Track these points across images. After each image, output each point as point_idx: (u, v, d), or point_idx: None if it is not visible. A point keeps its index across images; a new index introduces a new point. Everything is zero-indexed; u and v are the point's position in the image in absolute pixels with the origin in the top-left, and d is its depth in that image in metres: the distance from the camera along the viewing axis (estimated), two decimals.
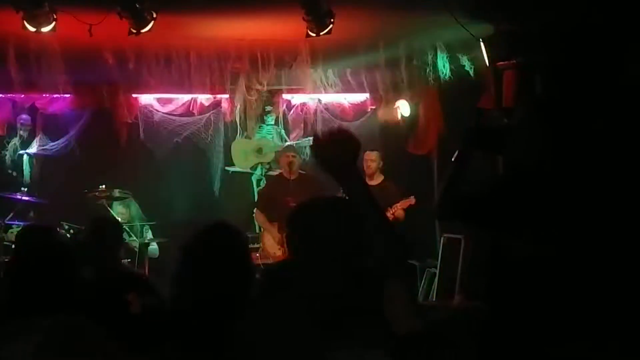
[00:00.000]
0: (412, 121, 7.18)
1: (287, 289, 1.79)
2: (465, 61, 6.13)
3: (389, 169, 6.28)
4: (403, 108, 7.28)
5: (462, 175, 2.39)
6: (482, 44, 5.96)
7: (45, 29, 4.59)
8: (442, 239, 5.74)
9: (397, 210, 5.68)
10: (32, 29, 4.58)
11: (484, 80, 6.16)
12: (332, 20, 4.99)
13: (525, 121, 2.40)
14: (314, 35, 5.02)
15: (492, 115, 2.70)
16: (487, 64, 5.98)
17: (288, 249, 1.92)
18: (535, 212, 2.18)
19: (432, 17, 5.42)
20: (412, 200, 5.70)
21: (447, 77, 6.14)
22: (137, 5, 4.55)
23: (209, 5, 4.89)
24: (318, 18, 4.96)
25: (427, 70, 6.30)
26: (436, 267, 5.74)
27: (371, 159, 5.91)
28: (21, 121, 6.75)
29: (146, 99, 6.99)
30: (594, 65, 4.01)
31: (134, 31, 4.71)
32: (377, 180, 5.94)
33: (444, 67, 6.20)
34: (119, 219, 6.18)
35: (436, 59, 6.22)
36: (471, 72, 6.11)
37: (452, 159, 2.41)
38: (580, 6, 4.40)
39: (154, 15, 4.68)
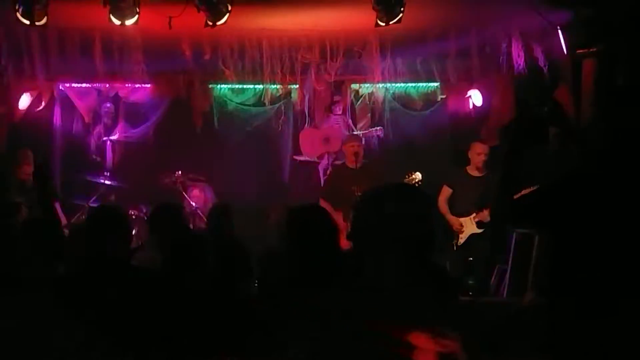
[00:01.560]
0: (484, 111, 7.07)
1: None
2: (541, 50, 5.98)
3: (460, 156, 6.24)
4: (475, 98, 7.18)
5: (512, 176, 2.31)
6: (560, 31, 5.80)
7: (129, 22, 4.85)
8: (514, 234, 5.64)
9: None
10: (117, 22, 4.85)
11: (560, 70, 6.00)
12: (402, 9, 5.00)
13: (602, 114, 2.34)
14: (383, 24, 5.05)
15: (533, 104, 2.63)
16: (565, 52, 5.82)
17: (349, 237, 1.90)
18: (592, 214, 2.12)
19: (506, 4, 5.32)
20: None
21: (521, 66, 6.00)
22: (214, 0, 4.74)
23: None
24: (388, 7, 4.98)
25: (501, 59, 6.19)
26: (507, 263, 5.65)
27: (477, 152, 5.85)
28: (105, 109, 7.14)
29: (220, 88, 7.24)
30: None
31: (210, 23, 4.90)
32: (483, 172, 5.87)
33: (518, 56, 6.06)
34: (194, 203, 6.50)
35: (510, 47, 6.09)
36: (547, 62, 5.95)
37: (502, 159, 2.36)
38: None
39: (229, 8, 4.86)
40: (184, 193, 6.54)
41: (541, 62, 5.97)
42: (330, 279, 1.95)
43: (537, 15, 5.30)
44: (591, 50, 5.62)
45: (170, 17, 4.86)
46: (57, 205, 4.79)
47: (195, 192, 6.72)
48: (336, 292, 1.74)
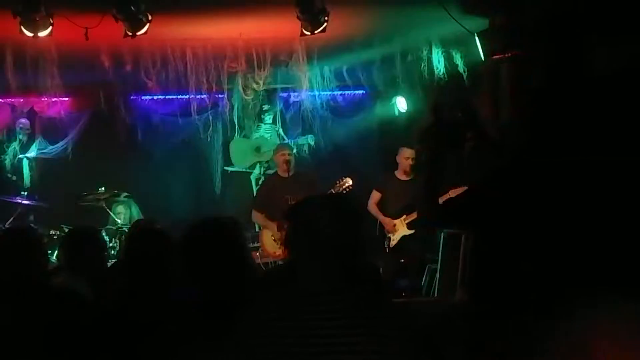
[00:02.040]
0: (410, 117, 7.21)
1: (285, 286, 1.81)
2: (459, 57, 6.16)
3: (388, 161, 6.34)
4: (400, 104, 7.32)
5: (434, 179, 2.40)
6: (477, 38, 5.98)
7: (42, 34, 4.60)
8: (442, 234, 5.78)
9: None
10: (29, 33, 4.59)
11: (480, 76, 6.18)
12: (326, 18, 5.00)
13: (517, 115, 2.43)
14: (308, 33, 5.03)
15: (447, 109, 2.69)
16: (483, 58, 6.01)
17: (285, 246, 1.94)
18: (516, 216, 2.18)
19: (426, 12, 5.44)
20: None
21: (441, 73, 6.15)
22: (133, 8, 4.57)
23: (204, 4, 4.92)
24: (312, 16, 4.97)
25: (422, 66, 6.33)
26: (437, 263, 5.78)
27: (405, 157, 5.94)
28: (20, 125, 6.77)
29: (144, 100, 7.01)
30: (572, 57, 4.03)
31: (130, 34, 4.73)
32: (411, 176, 5.97)
33: (438, 62, 6.22)
34: (119, 220, 6.25)
35: (431, 54, 6.24)
36: (466, 67, 6.13)
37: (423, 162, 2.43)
38: None
39: (149, 17, 4.70)
40: (108, 210, 6.28)
41: (460, 68, 6.15)
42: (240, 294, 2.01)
43: (454, 22, 5.44)
44: (507, 55, 5.82)
45: (86, 29, 4.64)
46: None
47: (120, 208, 6.47)
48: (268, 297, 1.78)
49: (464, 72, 6.13)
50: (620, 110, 2.27)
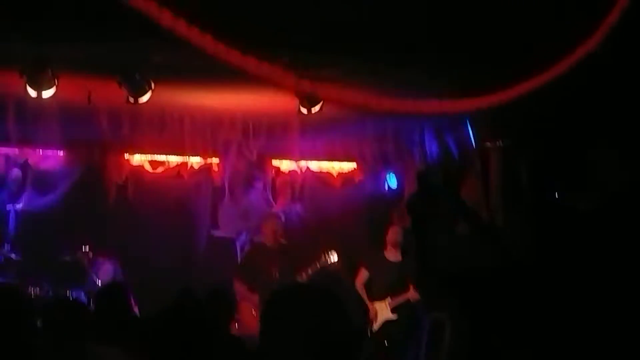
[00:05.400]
0: (398, 194, 7.29)
1: None
2: (451, 140, 6.30)
3: (376, 238, 6.35)
4: (390, 180, 7.43)
5: (424, 244, 2.43)
6: (468, 123, 6.16)
7: (46, 94, 4.69)
8: (426, 319, 5.74)
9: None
10: (33, 93, 4.68)
11: (469, 159, 6.32)
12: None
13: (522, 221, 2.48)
14: (305, 112, 5.19)
15: (429, 174, 2.79)
16: (473, 143, 6.17)
17: (262, 333, 1.90)
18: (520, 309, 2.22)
19: (419, 94, 5.60)
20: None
21: (433, 154, 6.28)
22: (137, 76, 4.70)
23: (206, 76, 5.06)
24: (309, 96, 5.14)
25: (414, 147, 6.48)
26: (420, 347, 5.73)
27: (393, 235, 5.97)
28: (12, 176, 6.77)
29: (137, 159, 7.07)
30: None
31: (132, 100, 4.84)
32: (399, 257, 5.95)
33: (430, 144, 6.37)
34: (99, 281, 6.12)
35: (423, 135, 6.40)
36: (457, 150, 6.27)
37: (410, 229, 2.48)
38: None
39: (152, 86, 4.83)
40: (89, 269, 6.16)
41: (451, 150, 6.28)
42: None
43: (447, 106, 5.60)
44: (497, 143, 5.99)
45: (89, 92, 4.76)
46: None
47: (107, 266, 6.36)
48: None
49: (455, 154, 6.26)
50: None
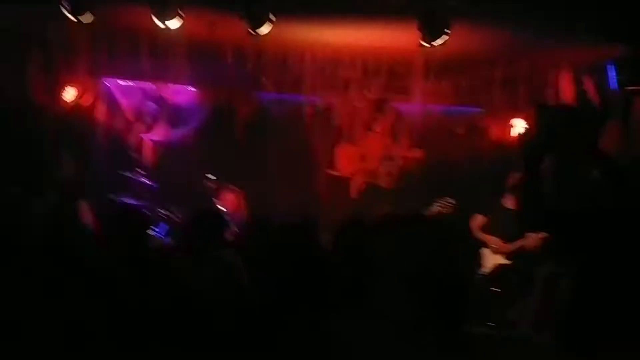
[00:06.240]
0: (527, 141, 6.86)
1: None
2: (591, 84, 5.81)
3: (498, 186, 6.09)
4: (518, 126, 6.99)
5: (534, 185, 2.31)
6: (611, 66, 5.65)
7: (172, 25, 4.91)
8: (540, 271, 5.48)
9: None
10: (160, 23, 4.93)
11: (610, 105, 5.81)
12: (447, 31, 4.91)
13: None
14: (426, 45, 4.97)
15: (551, 112, 2.57)
16: (617, 87, 5.66)
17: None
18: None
19: (557, 35, 5.18)
20: None
21: (569, 99, 5.82)
22: (257, 8, 4.75)
23: (326, 11, 5.01)
24: (433, 29, 4.91)
25: (548, 91, 6.02)
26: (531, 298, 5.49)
27: (516, 179, 5.75)
28: (148, 108, 7.27)
29: (263, 99, 7.26)
30: None
31: (253, 32, 4.92)
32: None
33: (566, 88, 5.90)
34: (224, 208, 6.49)
35: (559, 79, 5.93)
36: (597, 95, 5.77)
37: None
38: None
39: (273, 19, 4.87)
40: (215, 198, 6.55)
41: (590, 96, 5.78)
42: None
43: (589, 48, 5.13)
44: None
45: (212, 23, 4.90)
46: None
47: (231, 196, 6.70)
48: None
49: (595, 100, 5.78)
50: None
